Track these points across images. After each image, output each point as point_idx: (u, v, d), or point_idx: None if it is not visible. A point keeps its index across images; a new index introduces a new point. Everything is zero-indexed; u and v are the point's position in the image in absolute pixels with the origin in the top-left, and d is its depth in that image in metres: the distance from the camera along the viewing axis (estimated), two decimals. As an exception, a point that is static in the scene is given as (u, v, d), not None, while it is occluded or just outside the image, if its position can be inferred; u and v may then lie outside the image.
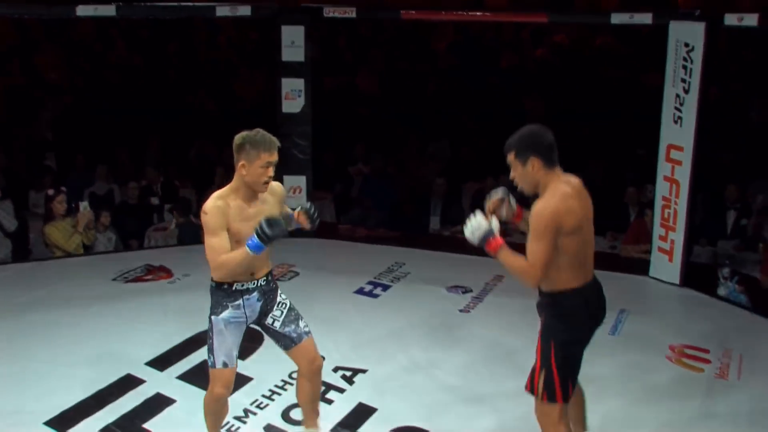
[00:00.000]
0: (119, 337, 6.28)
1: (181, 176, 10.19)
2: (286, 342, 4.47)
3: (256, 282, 4.35)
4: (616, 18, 7.83)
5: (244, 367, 5.60)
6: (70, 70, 12.26)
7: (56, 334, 6.37)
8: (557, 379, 4.00)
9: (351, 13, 8.58)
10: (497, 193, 4.23)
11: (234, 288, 4.29)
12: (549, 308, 4.09)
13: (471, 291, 7.33)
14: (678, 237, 7.54)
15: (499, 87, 11.81)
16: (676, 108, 7.36)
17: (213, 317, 4.32)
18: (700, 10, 7.30)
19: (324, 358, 5.68)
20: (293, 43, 8.51)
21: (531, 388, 4.10)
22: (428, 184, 9.89)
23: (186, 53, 12.88)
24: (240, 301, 4.32)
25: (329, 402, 5.34)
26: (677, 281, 7.57)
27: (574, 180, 4.04)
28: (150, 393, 5.46)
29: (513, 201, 4.19)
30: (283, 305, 4.51)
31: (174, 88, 12.00)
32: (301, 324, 4.50)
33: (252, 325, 4.47)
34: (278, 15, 8.57)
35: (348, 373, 5.70)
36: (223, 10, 8.44)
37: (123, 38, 13.15)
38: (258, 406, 5.26)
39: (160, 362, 5.88)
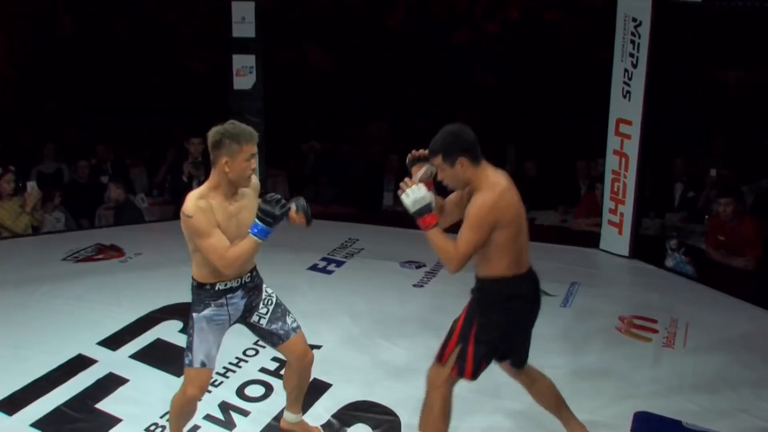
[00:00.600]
0: (70, 318, 6.25)
1: (132, 155, 10.11)
2: (274, 339, 4.33)
3: (240, 280, 4.17)
4: (567, -8, 7.91)
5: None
6: (12, 46, 12.07)
7: (4, 315, 6.32)
8: (470, 357, 4.09)
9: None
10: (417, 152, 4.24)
11: (217, 288, 4.11)
12: (477, 292, 4.18)
13: (425, 266, 7.38)
14: (627, 210, 7.67)
15: (451, 62, 11.85)
16: (625, 82, 7.47)
17: (194, 314, 4.13)
18: (647, -14, 7.40)
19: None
20: (244, 19, 8.49)
21: (440, 357, 4.17)
22: (381, 161, 9.90)
23: (134, 29, 12.74)
24: (223, 300, 4.14)
25: (281, 377, 5.36)
26: (627, 253, 7.71)
27: (502, 173, 4.08)
28: (102, 373, 5.42)
29: (431, 171, 4.15)
30: (269, 301, 4.34)
31: (123, 64, 11.87)
32: (289, 320, 4.35)
33: (237, 323, 4.31)
34: (227, -10, 8.53)
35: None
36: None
37: (69, 13, 12.96)
38: (212, 384, 5.24)
39: (113, 342, 5.86)
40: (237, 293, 4.17)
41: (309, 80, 11.88)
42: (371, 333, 6.04)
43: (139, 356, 5.68)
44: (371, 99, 11.31)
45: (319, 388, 5.20)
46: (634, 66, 7.37)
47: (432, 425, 4.19)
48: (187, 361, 4.16)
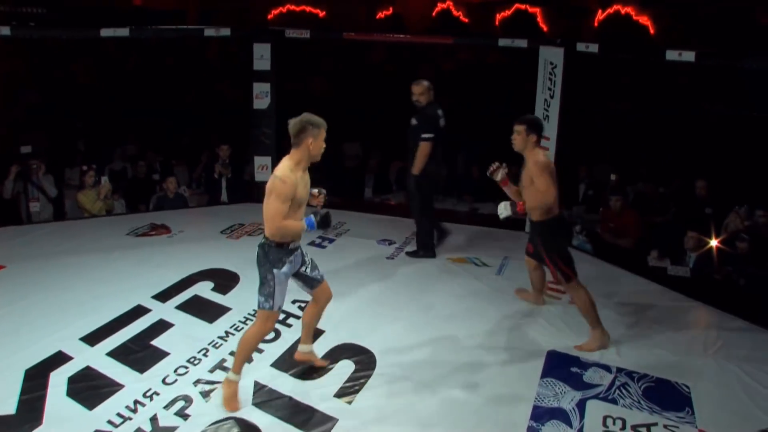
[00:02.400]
0: (132, 277, 6.30)
1: (176, 157, 10.09)
2: (314, 283, 4.56)
3: (298, 242, 4.36)
4: (502, 42, 7.98)
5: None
6: (96, 76, 12.05)
7: (84, 274, 6.38)
8: (564, 269, 5.14)
9: (306, 34, 8.61)
10: (495, 164, 5.29)
11: (290, 246, 4.27)
12: (544, 231, 5.16)
13: (395, 243, 7.42)
14: (545, 204, 7.74)
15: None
16: (545, 108, 7.56)
17: (275, 270, 4.24)
18: (560, 39, 7.50)
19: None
20: (262, 56, 8.52)
21: (557, 280, 5.28)
22: (363, 164, 9.95)
23: (181, 64, 12.72)
24: (293, 257, 4.32)
25: (288, 326, 5.45)
26: (544, 235, 7.77)
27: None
28: (155, 319, 5.53)
29: (504, 172, 5.23)
30: (308, 258, 4.53)
31: (172, 89, 11.85)
32: (319, 270, 4.61)
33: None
34: (251, 35, 8.55)
35: (302, 304, 5.73)
36: (209, 31, 8.43)
37: (135, 52, 12.90)
38: (235, 329, 5.35)
39: (163, 296, 5.93)
40: (297, 251, 4.39)
41: (310, 102, 11.88)
42: (355, 292, 6.10)
43: (182, 307, 5.76)
44: (351, 117, 11.35)
45: (315, 333, 5.23)
46: (552, 97, 7.47)
47: (588, 310, 5.18)
48: (268, 306, 4.29)
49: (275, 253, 4.25)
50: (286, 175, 4.09)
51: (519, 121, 5.07)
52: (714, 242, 6.94)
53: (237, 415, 4.34)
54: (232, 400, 4.40)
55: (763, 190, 8.32)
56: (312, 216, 4.21)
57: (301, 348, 4.84)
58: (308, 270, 4.52)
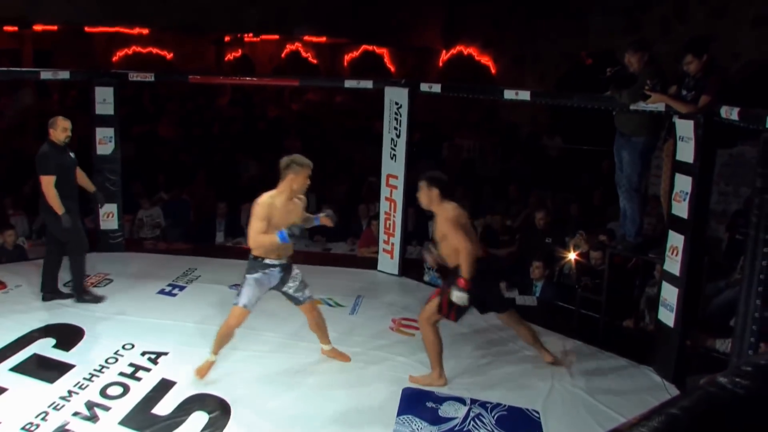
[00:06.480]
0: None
1: (14, 206, 9.47)
2: (296, 301, 5.27)
3: (279, 260, 5.03)
4: (348, 83, 8.10)
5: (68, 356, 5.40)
6: None
7: None
8: (445, 306, 5.04)
9: (150, 77, 8.39)
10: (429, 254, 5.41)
11: (264, 262, 4.99)
12: (453, 274, 5.01)
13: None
14: (396, 240, 7.85)
15: (266, 132, 11.88)
16: (392, 148, 7.70)
17: (247, 275, 5.01)
18: (404, 80, 7.72)
19: (134, 345, 5.63)
20: (105, 100, 8.16)
21: (439, 309, 5.11)
22: (213, 207, 9.75)
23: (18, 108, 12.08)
24: (267, 270, 5.01)
25: (138, 379, 5.18)
26: (397, 272, 7.86)
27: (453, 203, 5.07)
28: (-16, 384, 5.04)
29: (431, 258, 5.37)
30: (296, 278, 5.20)
31: (7, 134, 11.22)
32: (307, 291, 5.26)
33: (273, 290, 5.15)
34: (92, 78, 8.21)
35: (153, 356, 5.55)
36: (46, 74, 8.02)
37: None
38: (79, 387, 5.04)
39: (-5, 358, 5.44)
40: (276, 269, 5.05)
41: (158, 145, 11.59)
42: (207, 340, 5.77)
43: (18, 369, 5.30)
44: (207, 160, 11.16)
45: (166, 386, 5.09)
46: (398, 136, 7.62)
47: (434, 350, 5.22)
48: (235, 302, 5.05)
49: (251, 263, 5.01)
50: (262, 199, 4.82)
51: (420, 177, 5.10)
52: (573, 255, 7.32)
53: None
54: (202, 370, 5.13)
55: (598, 217, 8.91)
56: (284, 230, 4.79)
57: (323, 347, 5.55)
58: (291, 291, 5.19)
